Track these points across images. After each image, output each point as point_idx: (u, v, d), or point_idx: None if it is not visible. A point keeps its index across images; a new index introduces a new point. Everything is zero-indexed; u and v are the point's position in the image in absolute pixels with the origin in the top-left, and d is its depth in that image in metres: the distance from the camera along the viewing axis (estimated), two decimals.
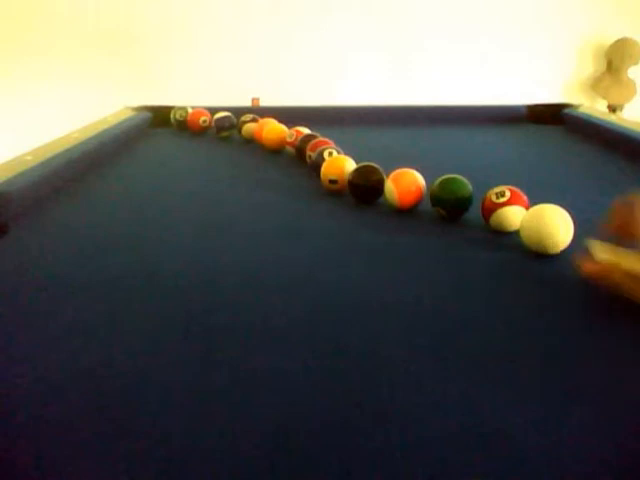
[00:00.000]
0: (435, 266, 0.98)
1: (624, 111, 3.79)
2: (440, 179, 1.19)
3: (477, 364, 0.69)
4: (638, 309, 0.77)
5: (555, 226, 0.98)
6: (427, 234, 1.13)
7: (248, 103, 2.98)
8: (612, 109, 3.74)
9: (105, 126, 1.84)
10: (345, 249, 1.06)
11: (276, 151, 1.76)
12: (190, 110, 2.09)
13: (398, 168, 1.24)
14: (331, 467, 0.53)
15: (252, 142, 1.88)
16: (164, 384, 0.65)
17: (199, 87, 3.59)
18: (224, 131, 1.96)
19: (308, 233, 1.13)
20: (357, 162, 1.32)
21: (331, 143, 1.52)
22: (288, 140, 1.70)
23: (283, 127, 1.78)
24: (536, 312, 0.82)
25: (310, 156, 1.50)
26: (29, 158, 1.37)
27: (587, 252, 0.86)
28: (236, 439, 0.56)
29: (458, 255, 1.02)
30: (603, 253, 0.84)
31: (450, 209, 1.16)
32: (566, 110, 2.22)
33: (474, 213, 1.15)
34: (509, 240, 1.07)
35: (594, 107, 3.45)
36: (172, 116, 2.11)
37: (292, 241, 1.09)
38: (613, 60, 3.70)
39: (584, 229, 0.96)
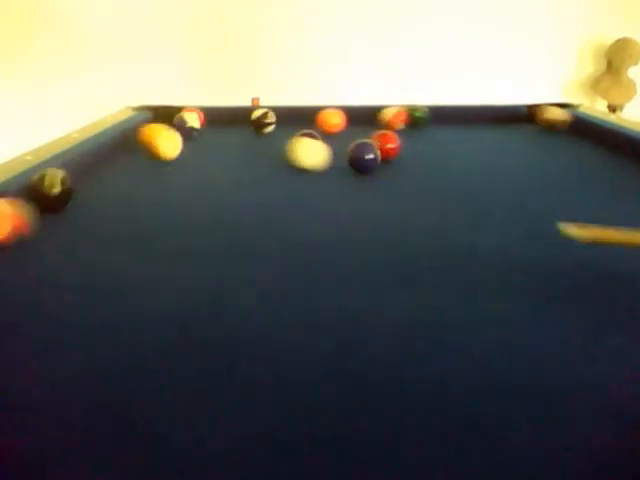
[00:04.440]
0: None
1: (624, 111, 3.78)
2: None
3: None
4: None
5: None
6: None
7: (248, 103, 2.98)
8: (612, 109, 3.73)
9: (105, 126, 1.84)
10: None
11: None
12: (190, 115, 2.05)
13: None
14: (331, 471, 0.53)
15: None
16: (164, 386, 0.65)
17: (199, 87, 3.59)
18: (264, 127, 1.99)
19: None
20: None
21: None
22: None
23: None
24: None
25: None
26: (29, 158, 1.37)
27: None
28: (236, 442, 0.56)
29: None
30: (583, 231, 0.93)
31: None
32: (566, 110, 2.22)
33: None
34: None
35: (594, 107, 3.45)
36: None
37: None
38: (613, 60, 3.69)
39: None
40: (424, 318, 0.80)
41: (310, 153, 1.53)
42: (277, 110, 2.10)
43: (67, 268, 0.97)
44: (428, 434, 0.57)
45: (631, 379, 0.66)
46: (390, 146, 1.62)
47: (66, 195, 1.22)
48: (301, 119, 2.18)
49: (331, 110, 2.10)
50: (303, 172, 1.51)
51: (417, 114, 2.12)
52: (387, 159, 1.61)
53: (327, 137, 1.73)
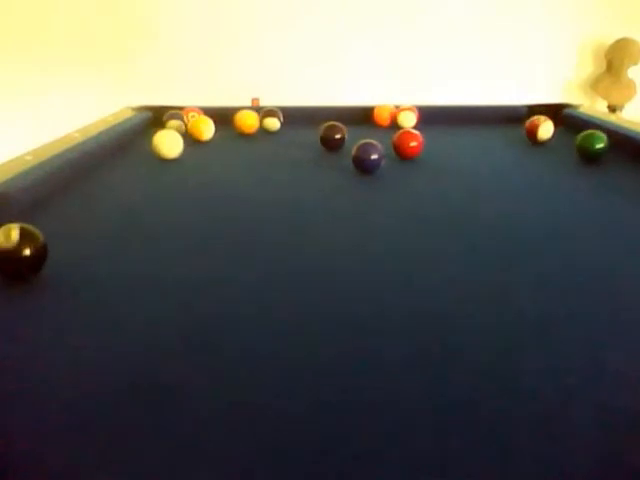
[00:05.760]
0: None
1: (624, 111, 3.78)
2: None
3: None
4: None
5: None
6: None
7: (248, 103, 2.98)
8: (612, 109, 3.73)
9: (105, 126, 1.84)
10: None
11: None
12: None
13: None
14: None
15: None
16: (164, 386, 0.66)
17: (199, 87, 3.59)
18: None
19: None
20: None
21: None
22: None
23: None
24: None
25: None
26: (29, 158, 1.37)
27: None
28: (237, 443, 0.56)
29: None
30: None
31: None
32: (566, 110, 2.22)
33: None
34: None
35: (594, 107, 3.45)
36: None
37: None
38: (613, 60, 3.69)
39: (575, 228, 0.96)
40: (422, 317, 0.80)
41: (167, 144, 1.65)
42: (284, 110, 2.15)
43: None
44: (428, 432, 0.57)
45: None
46: (413, 144, 1.65)
47: (38, 257, 0.90)
48: (301, 119, 2.19)
49: (384, 105, 2.23)
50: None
51: (596, 147, 1.64)
52: (410, 157, 1.65)
53: (379, 130, 1.98)
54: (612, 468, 0.53)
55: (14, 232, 0.87)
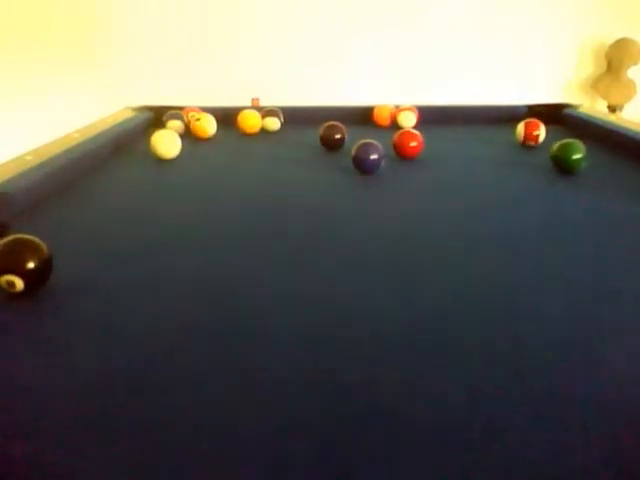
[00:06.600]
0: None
1: (624, 111, 3.79)
2: None
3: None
4: None
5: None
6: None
7: (248, 103, 2.98)
8: (612, 109, 3.73)
9: (105, 126, 1.84)
10: None
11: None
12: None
13: None
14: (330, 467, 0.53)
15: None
16: (164, 386, 0.66)
17: (199, 87, 3.59)
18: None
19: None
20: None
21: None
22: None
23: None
24: None
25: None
26: (29, 158, 1.37)
27: None
28: (238, 440, 0.57)
29: None
30: None
31: None
32: (566, 110, 2.22)
33: None
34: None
35: (594, 107, 3.45)
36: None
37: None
38: (613, 60, 3.69)
39: (574, 231, 0.96)
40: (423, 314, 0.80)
41: (165, 144, 1.66)
42: (285, 110, 2.16)
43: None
44: (427, 432, 0.57)
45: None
46: (413, 144, 1.65)
47: (42, 270, 0.88)
48: (301, 119, 2.19)
49: (384, 105, 2.24)
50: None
51: (575, 157, 1.51)
52: (410, 157, 1.66)
53: (379, 130, 2.02)
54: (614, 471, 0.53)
55: (18, 284, 0.84)
